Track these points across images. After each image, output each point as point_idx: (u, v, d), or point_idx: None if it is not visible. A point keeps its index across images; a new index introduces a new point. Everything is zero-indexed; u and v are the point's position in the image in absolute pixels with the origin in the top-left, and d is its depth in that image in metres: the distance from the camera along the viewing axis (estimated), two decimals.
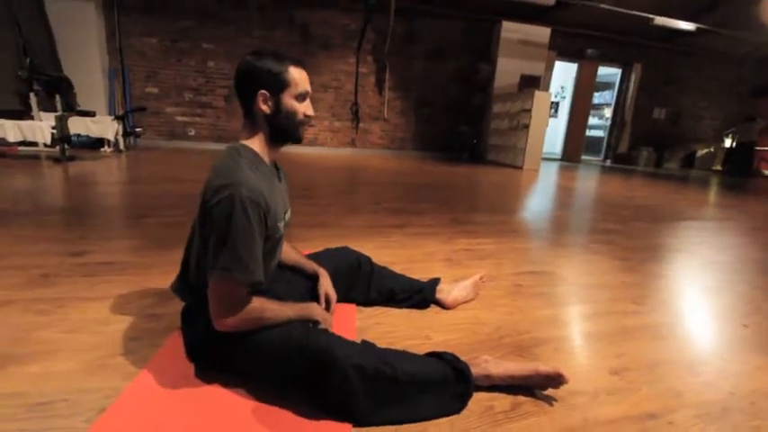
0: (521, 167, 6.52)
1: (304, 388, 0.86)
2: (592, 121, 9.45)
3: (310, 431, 0.80)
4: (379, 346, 0.93)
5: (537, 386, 0.97)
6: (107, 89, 6.51)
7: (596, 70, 8.82)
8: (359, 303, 1.35)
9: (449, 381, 0.89)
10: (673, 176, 7.45)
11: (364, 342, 0.94)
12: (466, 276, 1.55)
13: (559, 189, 4.86)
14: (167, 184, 3.62)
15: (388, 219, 2.70)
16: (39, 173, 3.87)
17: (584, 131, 9.11)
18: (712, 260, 2.25)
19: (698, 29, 7.30)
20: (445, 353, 0.95)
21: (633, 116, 9.24)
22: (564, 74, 9.35)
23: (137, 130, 6.44)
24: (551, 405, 0.94)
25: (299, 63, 0.91)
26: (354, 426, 0.82)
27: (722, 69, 9.55)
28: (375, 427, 0.83)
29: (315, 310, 1.01)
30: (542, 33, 7.61)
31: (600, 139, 9.82)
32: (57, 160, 4.51)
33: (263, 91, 0.88)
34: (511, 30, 7.46)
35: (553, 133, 9.07)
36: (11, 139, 4.42)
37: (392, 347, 0.97)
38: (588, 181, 5.86)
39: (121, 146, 5.93)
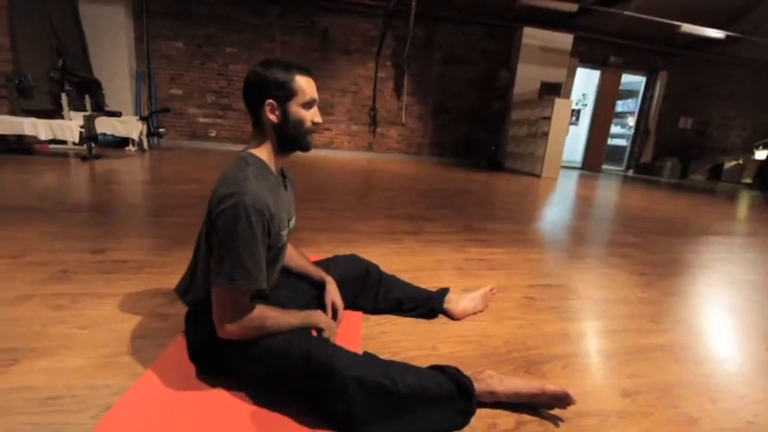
0: (539, 176, 6.41)
1: (304, 397, 0.86)
2: (614, 129, 9.23)
3: None
4: (383, 355, 0.92)
5: (543, 405, 0.94)
6: (134, 90, 6.75)
7: (620, 78, 8.63)
8: (366, 311, 1.35)
9: (451, 396, 0.87)
10: (698, 188, 7.19)
11: (366, 353, 0.94)
12: (476, 287, 1.52)
13: (578, 198, 4.75)
14: (188, 183, 3.71)
15: (401, 224, 2.69)
16: (66, 170, 4.03)
17: (606, 140, 8.92)
18: (738, 278, 2.16)
19: (727, 36, 7.05)
20: (448, 366, 0.93)
21: (657, 125, 8.99)
22: (586, 81, 9.18)
23: (160, 130, 6.65)
24: (557, 426, 0.91)
25: (305, 71, 0.92)
26: None
27: (752, 78, 9.20)
28: None
29: (319, 317, 1.01)
30: (564, 40, 7.50)
31: (622, 149, 9.57)
32: (84, 158, 4.70)
33: (270, 100, 0.89)
34: (532, 36, 7.38)
35: (574, 141, 8.90)
36: (42, 137, 4.62)
37: (395, 359, 0.96)
38: (608, 191, 5.72)
39: (145, 145, 6.13)
